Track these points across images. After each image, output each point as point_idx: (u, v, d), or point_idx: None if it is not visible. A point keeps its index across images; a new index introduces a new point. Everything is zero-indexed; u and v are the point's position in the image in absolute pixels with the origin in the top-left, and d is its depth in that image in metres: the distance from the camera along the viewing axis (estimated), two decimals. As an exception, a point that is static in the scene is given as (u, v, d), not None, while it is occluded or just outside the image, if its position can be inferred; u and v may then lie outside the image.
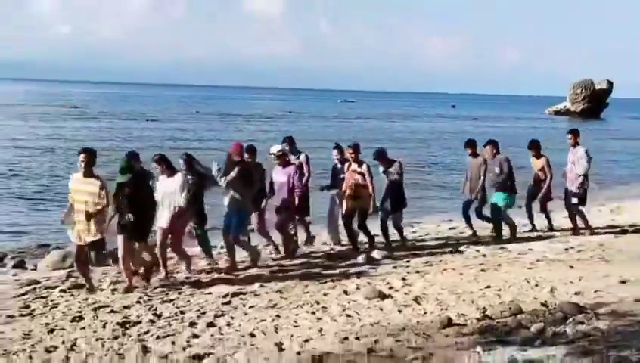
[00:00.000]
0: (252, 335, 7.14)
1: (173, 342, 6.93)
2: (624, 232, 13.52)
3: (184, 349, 6.73)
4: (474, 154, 13.10)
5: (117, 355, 6.56)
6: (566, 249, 11.80)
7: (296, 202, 11.21)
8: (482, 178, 12.73)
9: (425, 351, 6.33)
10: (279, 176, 11.21)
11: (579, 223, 13.31)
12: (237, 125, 52.93)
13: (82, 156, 8.85)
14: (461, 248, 12.12)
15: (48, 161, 27.83)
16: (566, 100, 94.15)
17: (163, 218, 9.68)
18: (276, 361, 6.27)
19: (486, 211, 13.09)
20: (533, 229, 13.82)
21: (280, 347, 6.70)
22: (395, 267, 10.63)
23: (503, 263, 10.73)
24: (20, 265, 11.04)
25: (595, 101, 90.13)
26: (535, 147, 13.60)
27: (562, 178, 13.29)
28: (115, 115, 64.41)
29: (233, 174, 10.12)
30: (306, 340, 6.90)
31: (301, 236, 12.22)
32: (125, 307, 8.37)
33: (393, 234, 12.35)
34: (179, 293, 9.07)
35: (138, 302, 8.61)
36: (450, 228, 14.71)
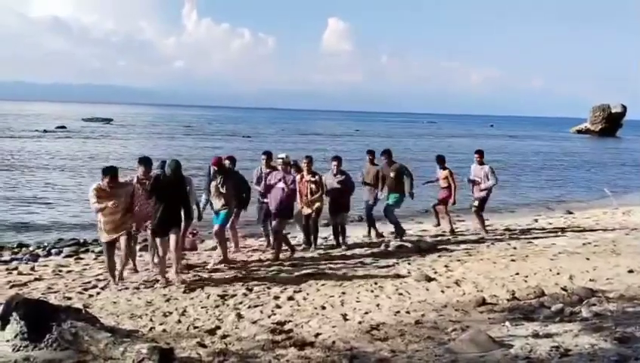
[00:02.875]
0: (323, 307, 7.21)
1: (261, 311, 7.04)
2: (633, 230, 13.09)
3: (269, 316, 6.84)
4: (372, 162, 12.14)
5: (217, 320, 6.70)
6: (584, 244, 11.50)
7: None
8: (380, 183, 11.86)
9: (463, 324, 6.27)
10: (277, 183, 10.02)
11: (477, 224, 12.98)
12: (317, 142, 53.21)
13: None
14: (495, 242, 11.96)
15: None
16: (586, 121, 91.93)
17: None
18: (342, 328, 6.29)
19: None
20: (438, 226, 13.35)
21: (345, 317, 6.74)
22: (440, 256, 10.52)
23: (530, 255, 10.54)
24: (144, 249, 11.35)
25: (611, 122, 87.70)
26: (440, 161, 13.02)
27: (470, 191, 12.84)
28: (219, 132, 65.76)
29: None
30: (366, 313, 6.92)
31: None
32: (225, 282, 8.54)
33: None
34: (267, 272, 9.20)
35: (235, 278, 8.78)
36: (487, 225, 14.48)
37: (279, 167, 10.29)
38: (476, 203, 12.59)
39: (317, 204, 10.87)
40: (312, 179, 10.73)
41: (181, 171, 8.65)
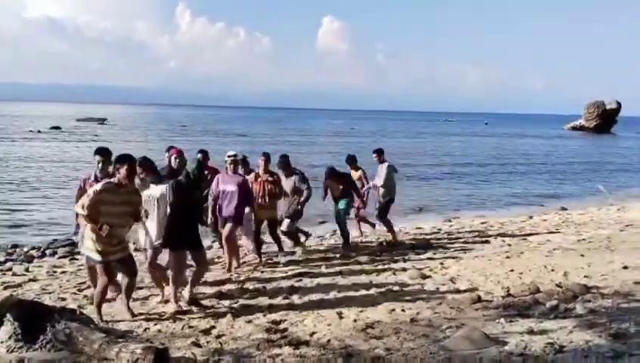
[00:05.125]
0: (318, 306, 7.18)
1: (257, 310, 7.02)
2: (628, 227, 13.15)
3: (265, 315, 6.82)
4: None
5: (212, 320, 6.66)
6: (579, 241, 11.56)
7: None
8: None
9: (458, 321, 6.28)
10: (228, 185, 8.94)
11: (365, 228, 12.05)
12: (310, 141, 53.26)
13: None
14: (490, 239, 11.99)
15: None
16: (581, 118, 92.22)
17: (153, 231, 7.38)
18: (337, 327, 6.29)
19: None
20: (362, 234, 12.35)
21: (340, 316, 6.71)
22: (435, 254, 10.54)
23: (525, 251, 10.57)
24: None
25: (606, 119, 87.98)
26: (351, 161, 12.00)
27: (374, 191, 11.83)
28: (213, 131, 65.70)
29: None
30: (361, 311, 6.89)
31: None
32: (220, 282, 8.50)
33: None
34: (262, 272, 9.17)
35: (229, 279, 8.76)
36: (482, 223, 14.54)
37: (227, 166, 9.17)
38: (376, 212, 11.73)
39: (272, 212, 9.84)
40: (270, 179, 9.71)
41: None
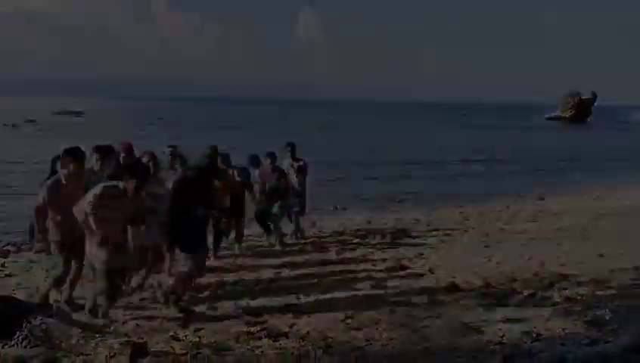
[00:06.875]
0: (298, 297, 7.18)
1: (235, 303, 6.97)
2: (603, 216, 13.33)
3: (244, 308, 6.80)
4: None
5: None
6: (555, 229, 11.69)
7: None
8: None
9: (436, 311, 6.34)
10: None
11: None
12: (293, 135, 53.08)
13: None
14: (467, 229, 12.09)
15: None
16: (557, 109, 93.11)
17: None
18: (316, 318, 6.29)
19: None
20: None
21: (319, 307, 6.70)
22: (414, 244, 10.59)
23: (503, 241, 10.67)
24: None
25: (582, 109, 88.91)
26: (253, 161, 10.60)
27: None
28: (193, 124, 65.13)
29: None
30: (340, 302, 6.90)
31: None
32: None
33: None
34: (240, 265, 9.12)
35: (209, 271, 8.69)
36: (460, 213, 14.61)
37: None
38: (297, 208, 10.99)
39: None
40: None
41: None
